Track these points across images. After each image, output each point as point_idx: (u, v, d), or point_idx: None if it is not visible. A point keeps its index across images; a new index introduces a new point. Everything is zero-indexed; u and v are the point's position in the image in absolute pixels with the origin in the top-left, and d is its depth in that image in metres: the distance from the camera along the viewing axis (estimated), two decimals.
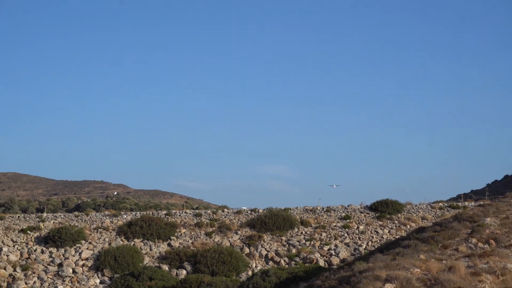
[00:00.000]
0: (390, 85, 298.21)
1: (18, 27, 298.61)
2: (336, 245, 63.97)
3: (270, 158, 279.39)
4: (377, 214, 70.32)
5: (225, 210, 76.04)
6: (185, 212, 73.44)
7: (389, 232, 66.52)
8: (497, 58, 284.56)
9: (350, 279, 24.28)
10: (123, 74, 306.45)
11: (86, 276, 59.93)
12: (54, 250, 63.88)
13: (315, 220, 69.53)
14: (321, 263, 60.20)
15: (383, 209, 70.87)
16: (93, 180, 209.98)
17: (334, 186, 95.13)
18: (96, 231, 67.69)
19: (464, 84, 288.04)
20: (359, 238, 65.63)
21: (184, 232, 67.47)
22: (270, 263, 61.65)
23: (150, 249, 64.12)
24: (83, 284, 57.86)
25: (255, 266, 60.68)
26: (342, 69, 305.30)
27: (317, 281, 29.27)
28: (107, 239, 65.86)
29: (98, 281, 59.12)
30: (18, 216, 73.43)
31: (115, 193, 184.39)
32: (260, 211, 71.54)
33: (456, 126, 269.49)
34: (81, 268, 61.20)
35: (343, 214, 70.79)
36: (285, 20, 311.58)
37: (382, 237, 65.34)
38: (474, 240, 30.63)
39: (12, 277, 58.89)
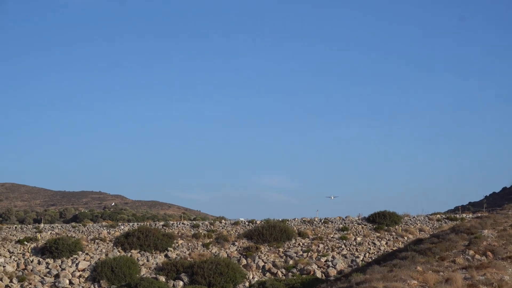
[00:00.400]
0: (388, 97, 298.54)
1: (16, 35, 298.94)
2: (333, 257, 63.85)
3: (268, 169, 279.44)
4: (374, 226, 70.23)
5: (223, 221, 75.90)
6: (183, 223, 73.30)
7: (386, 243, 66.41)
8: (497, 69, 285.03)
9: None
10: (122, 84, 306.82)
11: (82, 287, 59.75)
12: (51, 261, 63.70)
13: (313, 232, 69.43)
14: (318, 274, 60.06)
15: (381, 220, 70.77)
16: (91, 191, 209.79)
17: (332, 198, 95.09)
18: (93, 242, 67.52)
19: (463, 97, 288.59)
20: (356, 249, 65.52)
21: (181, 243, 67.33)
22: (267, 274, 61.49)
23: (147, 260, 63.96)
24: None
25: (252, 278, 60.53)
26: (340, 80, 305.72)
27: None
28: (104, 250, 65.68)
29: None
30: (15, 227, 73.25)
31: (113, 204, 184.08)
32: (258, 222, 71.43)
33: (455, 138, 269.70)
34: (77, 279, 60.99)
35: (341, 226, 70.69)
36: (283, 32, 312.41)
37: (380, 249, 65.23)
38: (471, 252, 30.63)
39: None
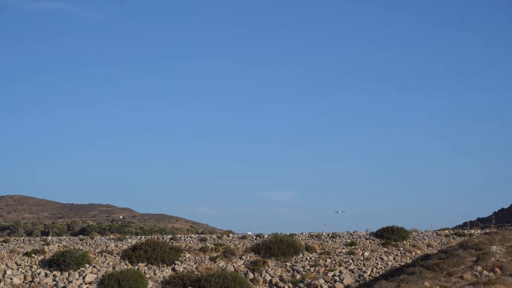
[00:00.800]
0: (397, 110, 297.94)
1: (17, 38, 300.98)
2: (340, 271, 63.63)
3: (276, 184, 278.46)
4: (382, 241, 69.97)
5: (230, 235, 75.77)
6: (190, 237, 73.23)
7: (394, 259, 66.15)
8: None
9: None
10: (130, 98, 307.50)
11: None
12: (58, 273, 63.72)
13: (320, 246, 69.24)
14: None
15: (389, 235, 70.52)
16: (99, 204, 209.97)
17: (339, 212, 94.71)
18: (100, 254, 67.52)
19: (473, 110, 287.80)
20: (364, 264, 65.28)
21: (188, 257, 67.25)
22: None
23: (154, 273, 63.89)
24: None
25: None
26: (347, 94, 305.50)
27: None
28: (111, 263, 65.66)
29: None
30: (23, 239, 73.32)
31: (121, 217, 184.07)
32: (265, 236, 71.29)
33: (464, 153, 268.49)
34: None
35: (349, 240, 70.46)
36: (289, 42, 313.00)
37: (387, 264, 64.97)
38: (479, 268, 30.48)
39: None
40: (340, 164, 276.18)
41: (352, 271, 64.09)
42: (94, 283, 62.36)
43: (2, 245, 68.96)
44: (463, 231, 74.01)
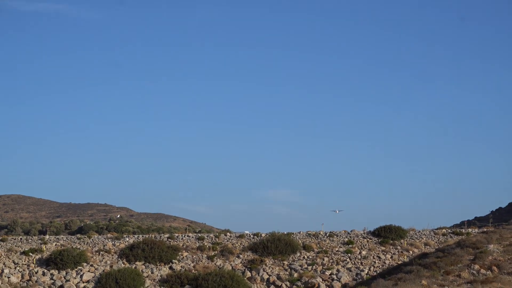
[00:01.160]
0: (392, 112, 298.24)
1: (18, 43, 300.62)
2: (338, 270, 63.66)
3: (274, 183, 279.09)
4: (380, 240, 70.03)
5: (228, 234, 75.78)
6: (188, 236, 73.23)
7: (391, 257, 66.19)
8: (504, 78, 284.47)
9: None
10: (129, 97, 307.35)
11: None
12: (55, 272, 63.69)
13: (318, 245, 69.27)
14: (323, 287, 59.89)
15: (386, 234, 70.58)
16: (97, 203, 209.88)
17: (337, 212, 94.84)
18: (98, 253, 67.50)
19: (469, 110, 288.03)
20: (361, 263, 65.31)
21: (186, 256, 67.24)
22: (272, 287, 61.34)
23: (152, 272, 63.87)
24: None
25: None
26: (345, 94, 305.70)
27: None
28: (108, 262, 65.65)
29: None
30: (21, 238, 73.28)
31: (118, 216, 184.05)
32: (263, 235, 71.29)
33: (461, 153, 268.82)
34: None
35: (346, 239, 70.51)
36: (288, 44, 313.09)
37: (385, 263, 65.02)
38: (476, 267, 30.52)
39: None
40: (338, 164, 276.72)
41: (349, 269, 64.12)
42: (92, 281, 62.33)
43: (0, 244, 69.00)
44: (461, 230, 74.10)
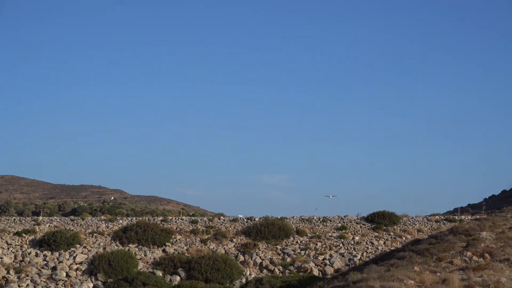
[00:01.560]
0: (387, 97, 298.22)
1: (17, 28, 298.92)
2: (331, 255, 63.87)
3: (268, 167, 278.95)
4: (373, 226, 70.24)
5: (221, 217, 75.91)
6: (181, 219, 73.30)
7: (384, 243, 66.42)
8: (497, 71, 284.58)
9: None
10: (123, 79, 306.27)
11: (79, 280, 59.77)
12: (48, 253, 63.73)
13: (311, 230, 69.44)
14: (315, 272, 60.09)
15: (380, 220, 70.78)
16: (91, 185, 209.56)
17: (330, 197, 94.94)
18: (91, 235, 67.54)
19: (464, 97, 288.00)
20: (354, 248, 65.52)
21: (179, 239, 67.33)
22: (264, 271, 61.52)
23: (145, 255, 63.98)
24: None
25: (249, 274, 60.58)
26: (341, 79, 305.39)
27: None
28: (102, 244, 65.70)
29: (91, 285, 58.97)
30: (14, 219, 73.26)
31: (112, 198, 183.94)
32: (256, 219, 71.41)
33: (454, 140, 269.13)
34: (74, 272, 61.04)
35: (339, 225, 70.68)
36: (286, 35, 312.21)
37: (377, 248, 65.23)
38: (469, 254, 30.58)
39: (5, 279, 58.74)
40: (332, 149, 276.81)
41: (342, 255, 64.33)
42: (85, 263, 62.41)
43: None
44: (454, 216, 74.33)
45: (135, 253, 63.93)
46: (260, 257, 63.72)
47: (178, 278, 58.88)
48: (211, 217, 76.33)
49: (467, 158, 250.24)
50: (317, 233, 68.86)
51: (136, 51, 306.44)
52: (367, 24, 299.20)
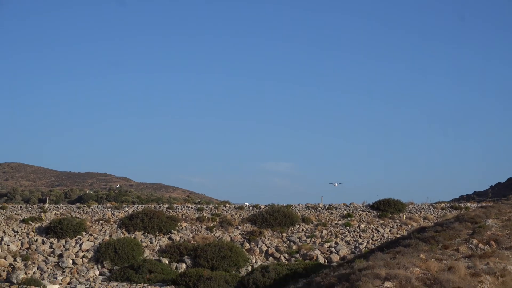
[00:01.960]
0: (392, 86, 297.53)
1: (20, 24, 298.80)
2: (336, 243, 63.90)
3: (273, 155, 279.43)
4: (378, 213, 70.24)
5: (227, 205, 75.98)
6: (187, 206, 73.42)
7: (390, 231, 66.42)
8: (499, 59, 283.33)
9: (350, 277, 24.24)
10: (127, 68, 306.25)
11: (86, 267, 59.94)
12: (54, 241, 63.93)
13: (317, 217, 69.47)
14: (321, 260, 60.14)
15: (385, 208, 70.77)
16: (96, 172, 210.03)
17: (336, 185, 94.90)
18: (97, 223, 67.71)
19: (467, 86, 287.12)
20: (360, 236, 65.55)
21: (185, 226, 67.45)
22: (270, 259, 61.59)
23: (151, 242, 64.12)
24: (83, 276, 57.80)
25: (255, 262, 60.65)
26: (346, 67, 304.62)
27: (316, 278, 29.23)
28: (108, 231, 65.85)
29: (97, 272, 59.12)
30: (20, 206, 73.51)
31: (118, 185, 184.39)
32: (262, 207, 71.47)
33: (460, 127, 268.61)
34: (81, 260, 61.20)
35: (345, 212, 70.70)
36: (292, 27, 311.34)
37: (383, 236, 65.25)
38: (475, 241, 30.56)
39: (12, 266, 58.93)
40: (338, 136, 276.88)
41: (348, 242, 64.36)
42: (91, 250, 62.58)
43: None
44: (459, 204, 74.31)
45: (141, 240, 64.07)
46: (266, 244, 63.80)
47: (184, 265, 59.00)
48: (216, 205, 76.42)
49: (473, 145, 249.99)
50: (323, 220, 68.89)
51: (144, 41, 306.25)
52: (369, 19, 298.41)
